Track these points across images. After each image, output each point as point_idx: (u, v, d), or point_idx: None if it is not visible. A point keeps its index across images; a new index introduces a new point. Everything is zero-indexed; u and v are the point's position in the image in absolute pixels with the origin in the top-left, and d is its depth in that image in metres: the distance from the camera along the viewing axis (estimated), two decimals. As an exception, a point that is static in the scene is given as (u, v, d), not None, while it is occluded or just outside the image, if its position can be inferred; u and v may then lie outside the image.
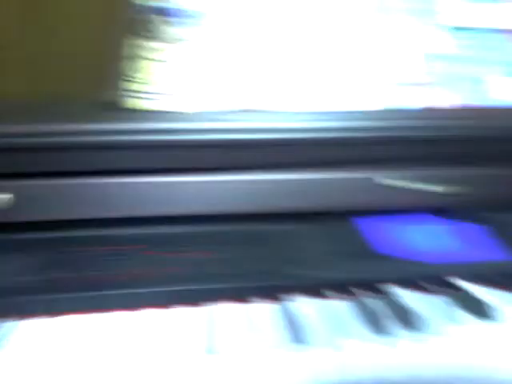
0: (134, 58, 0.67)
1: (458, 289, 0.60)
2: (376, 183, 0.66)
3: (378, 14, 0.76)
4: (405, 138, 0.68)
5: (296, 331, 0.52)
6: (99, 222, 0.62)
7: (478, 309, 0.55)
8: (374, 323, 0.53)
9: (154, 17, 0.68)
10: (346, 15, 0.75)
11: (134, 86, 0.67)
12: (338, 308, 0.56)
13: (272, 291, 0.59)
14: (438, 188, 0.67)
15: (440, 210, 0.69)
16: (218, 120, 0.65)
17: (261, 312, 0.56)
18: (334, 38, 0.73)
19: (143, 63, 0.67)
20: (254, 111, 0.69)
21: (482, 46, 0.80)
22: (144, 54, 0.67)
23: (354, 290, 0.59)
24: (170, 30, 0.68)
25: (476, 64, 0.79)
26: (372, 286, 0.60)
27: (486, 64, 0.80)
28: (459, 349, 0.50)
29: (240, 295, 0.58)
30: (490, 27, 0.81)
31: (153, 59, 0.67)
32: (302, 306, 0.57)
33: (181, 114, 0.66)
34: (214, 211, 0.64)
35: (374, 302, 0.56)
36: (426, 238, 0.66)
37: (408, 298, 0.58)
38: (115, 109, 0.65)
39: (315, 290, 0.59)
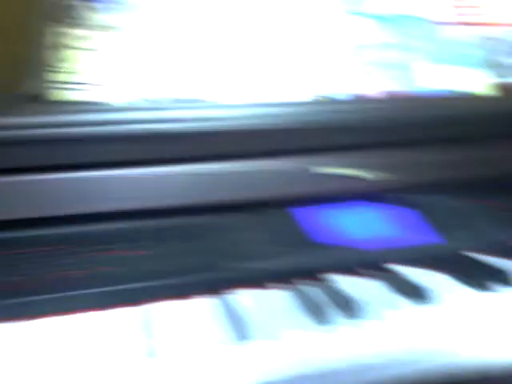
0: (58, 46, 0.63)
1: (393, 273, 0.61)
2: (311, 172, 0.67)
3: (307, 5, 0.76)
4: (338, 127, 0.69)
5: (238, 326, 0.51)
6: (25, 223, 0.59)
7: (414, 292, 0.56)
8: (315, 312, 0.53)
9: (77, 2, 0.65)
10: (276, 6, 0.74)
11: (60, 77, 0.63)
12: (279, 299, 0.56)
13: (212, 285, 0.58)
14: (373, 174, 0.68)
15: (374, 196, 0.70)
16: (149, 110, 0.63)
17: (202, 308, 0.55)
18: (265, 28, 0.73)
19: (68, 52, 0.64)
20: (187, 101, 0.67)
21: (408, 33, 0.82)
22: (69, 42, 0.64)
23: (294, 279, 0.60)
24: (96, 16, 0.65)
25: (403, 52, 0.81)
26: (311, 275, 0.60)
27: (412, 51, 0.81)
28: (398, 332, 0.51)
29: (179, 292, 0.56)
30: (416, 15, 0.83)
31: (79, 48, 0.64)
32: (243, 298, 0.56)
33: (110, 104, 0.64)
34: (148, 206, 0.62)
35: (313, 291, 0.57)
36: (362, 225, 0.67)
37: (346, 284, 0.59)
38: (40, 101, 0.61)
39: (255, 281, 0.59)
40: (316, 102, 0.72)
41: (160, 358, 0.47)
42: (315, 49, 0.76)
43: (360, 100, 0.76)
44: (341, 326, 0.51)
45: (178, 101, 0.67)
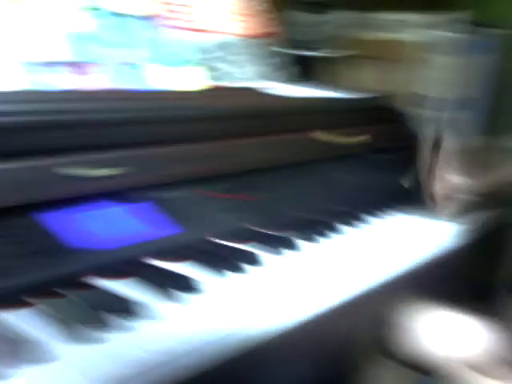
0: None
1: (152, 268, 0.62)
2: (55, 173, 0.61)
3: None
4: (60, 122, 0.63)
5: (10, 351, 0.44)
6: None
7: (180, 284, 0.58)
8: (90, 319, 0.50)
9: None
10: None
11: None
12: (45, 313, 0.51)
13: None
14: (116, 172, 0.65)
15: (120, 194, 0.67)
16: None
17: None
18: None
19: None
20: None
21: (130, 33, 0.82)
22: None
23: (57, 290, 0.54)
24: None
25: (124, 50, 0.81)
26: (74, 283, 0.56)
27: (133, 50, 0.82)
28: (179, 325, 0.52)
29: None
30: (136, 15, 0.84)
31: None
32: (8, 319, 0.49)
33: None
34: None
35: (81, 298, 0.53)
36: (112, 224, 0.64)
37: (115, 285, 0.57)
38: None
39: (13, 299, 0.51)
40: (34, 93, 0.66)
41: None
42: (26, 38, 0.71)
43: (81, 93, 0.73)
44: (121, 331, 0.49)
45: None
